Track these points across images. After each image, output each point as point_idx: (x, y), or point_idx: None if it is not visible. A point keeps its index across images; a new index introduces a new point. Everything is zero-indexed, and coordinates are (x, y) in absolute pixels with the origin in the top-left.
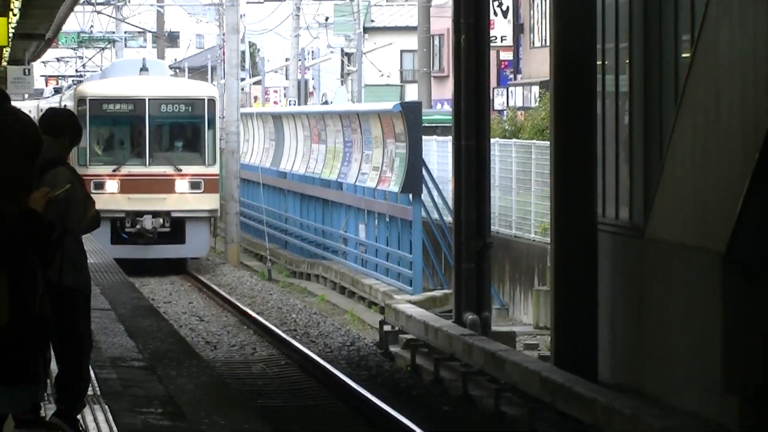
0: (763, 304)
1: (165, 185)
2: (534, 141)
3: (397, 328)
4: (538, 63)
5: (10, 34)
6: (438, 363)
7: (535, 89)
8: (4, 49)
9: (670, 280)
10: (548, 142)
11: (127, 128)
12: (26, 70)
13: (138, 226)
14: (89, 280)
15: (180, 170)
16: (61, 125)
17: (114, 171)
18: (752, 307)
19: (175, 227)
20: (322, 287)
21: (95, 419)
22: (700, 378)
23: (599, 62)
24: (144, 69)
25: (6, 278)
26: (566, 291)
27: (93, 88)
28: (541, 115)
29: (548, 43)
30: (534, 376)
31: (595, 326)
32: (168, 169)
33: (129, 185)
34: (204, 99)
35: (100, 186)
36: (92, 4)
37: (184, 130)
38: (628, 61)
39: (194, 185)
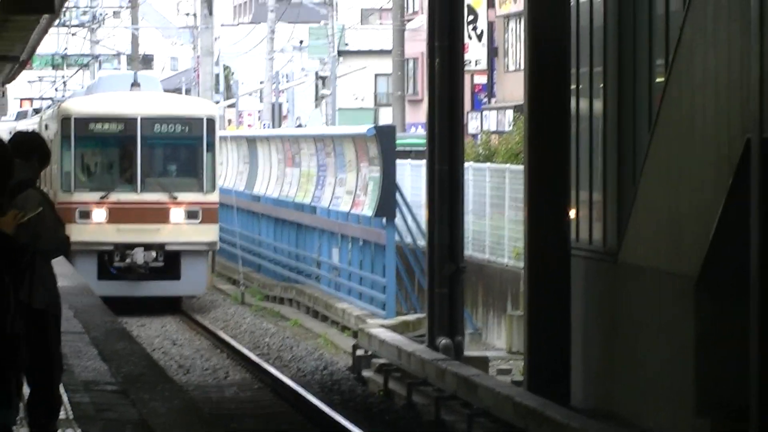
0: (735, 328)
1: (158, 215)
2: (508, 165)
3: (370, 353)
4: (513, 87)
5: None
6: (411, 387)
7: (510, 113)
8: None
9: (644, 305)
10: (522, 167)
11: (116, 150)
12: (1, 92)
13: (128, 260)
14: (59, 300)
15: (175, 198)
16: (30, 147)
17: (102, 198)
18: (725, 330)
19: (170, 261)
20: (296, 311)
21: None
22: (672, 401)
23: (573, 86)
24: (135, 84)
25: None
26: (539, 316)
27: (78, 106)
28: (516, 139)
29: (523, 67)
30: (507, 401)
31: (568, 351)
32: (162, 197)
33: (118, 214)
34: (202, 118)
35: (85, 215)
36: (67, 26)
37: (180, 153)
38: (602, 85)
39: (191, 215)
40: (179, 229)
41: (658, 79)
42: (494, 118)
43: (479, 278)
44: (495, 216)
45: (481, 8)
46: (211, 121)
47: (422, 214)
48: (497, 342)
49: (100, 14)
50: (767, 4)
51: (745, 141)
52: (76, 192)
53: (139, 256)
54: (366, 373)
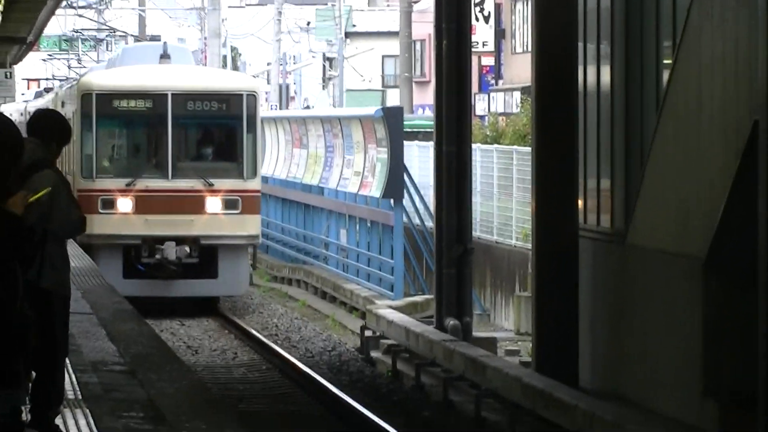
0: (743, 310)
1: (192, 204)
2: (515, 147)
3: (378, 334)
4: (520, 68)
5: None
6: (419, 368)
7: (517, 95)
8: None
9: (651, 286)
10: (530, 148)
11: (143, 131)
12: (8, 74)
13: (158, 256)
14: (68, 283)
15: (211, 185)
16: (49, 128)
17: (127, 186)
18: (732, 312)
19: (205, 257)
20: (304, 292)
21: (76, 423)
22: (680, 383)
23: (581, 68)
24: (165, 56)
25: None
26: (547, 297)
27: (100, 80)
28: (523, 121)
29: (530, 49)
30: (515, 382)
31: (576, 332)
32: (196, 184)
33: (146, 204)
34: (242, 94)
35: (109, 204)
36: (74, 8)
37: (216, 134)
38: (610, 67)
39: (229, 204)
40: (216, 220)
41: (666, 61)
42: (501, 100)
43: (487, 260)
44: (503, 198)
45: None
46: (252, 97)
47: (430, 196)
48: (505, 323)
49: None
50: None
51: (753, 123)
52: (99, 178)
53: (171, 252)
54: (374, 354)
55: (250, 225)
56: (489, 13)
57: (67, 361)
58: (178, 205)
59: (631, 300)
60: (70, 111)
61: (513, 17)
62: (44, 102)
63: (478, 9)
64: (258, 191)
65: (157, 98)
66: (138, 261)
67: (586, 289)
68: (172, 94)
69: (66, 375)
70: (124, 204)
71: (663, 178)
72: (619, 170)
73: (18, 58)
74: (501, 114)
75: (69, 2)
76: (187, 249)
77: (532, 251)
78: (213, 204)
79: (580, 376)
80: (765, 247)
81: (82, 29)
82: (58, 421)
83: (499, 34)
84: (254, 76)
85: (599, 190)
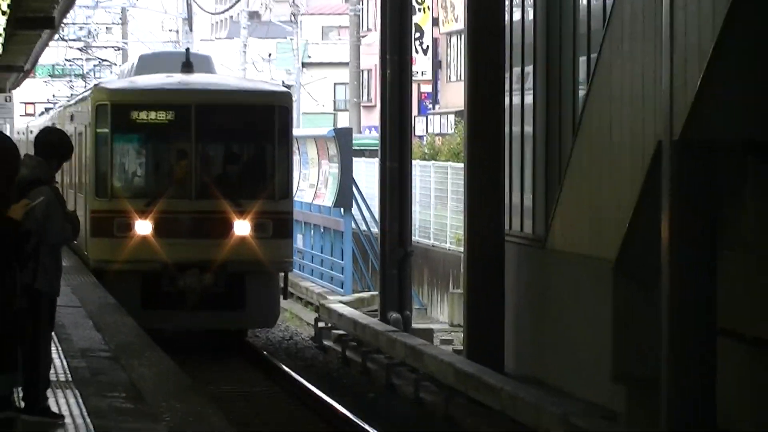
0: (647, 306)
1: (218, 227)
2: (450, 163)
3: (329, 325)
4: (454, 95)
5: None
6: (365, 355)
7: (451, 117)
8: None
9: (568, 285)
10: (462, 164)
11: (165, 146)
12: (7, 98)
13: (180, 284)
14: (58, 286)
15: (239, 207)
16: (50, 145)
17: (147, 207)
18: (638, 308)
19: (232, 286)
20: None
21: (67, 402)
22: (593, 369)
23: (507, 95)
24: (188, 65)
25: None
26: (477, 294)
27: (117, 90)
28: (456, 141)
29: (463, 78)
30: (449, 368)
31: (502, 324)
32: (222, 205)
33: (168, 227)
34: (273, 107)
35: (125, 227)
36: (65, 40)
37: (245, 150)
38: (533, 95)
39: (259, 227)
40: (244, 245)
41: (581, 90)
42: (438, 122)
43: (425, 261)
44: (438, 207)
45: (426, 26)
46: (284, 110)
47: (375, 205)
48: (440, 316)
49: (95, 30)
50: (676, 25)
51: (657, 144)
52: (114, 199)
53: (194, 280)
54: (326, 343)
55: (281, 250)
56: (427, 46)
57: (59, 347)
58: (202, 229)
59: (550, 297)
60: (81, 125)
61: (448, 50)
62: (47, 119)
63: (417, 42)
64: (290, 213)
65: (179, 110)
66: (158, 289)
67: (511, 287)
68: (196, 106)
69: (58, 360)
70: (143, 227)
71: (578, 191)
72: (539, 184)
73: (16, 84)
74: (437, 134)
75: (61, 36)
76: (213, 277)
77: (464, 254)
78: (241, 227)
79: (505, 363)
80: (667, 251)
81: (73, 59)
82: (51, 402)
83: (436, 65)
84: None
85: (522, 200)
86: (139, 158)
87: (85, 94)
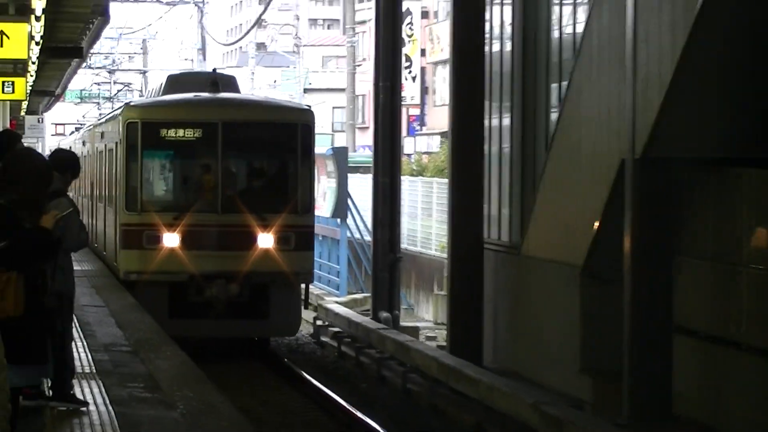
0: (611, 306)
1: (243, 240)
2: (435, 178)
3: (327, 323)
4: (439, 118)
5: (28, 91)
6: (358, 350)
7: (437, 138)
8: (23, 103)
9: (540, 287)
10: (447, 180)
11: (192, 162)
12: (40, 119)
13: (206, 294)
14: (74, 286)
15: (264, 220)
16: (64, 163)
17: (175, 220)
18: (603, 307)
19: (256, 296)
20: None
21: (91, 391)
22: (562, 363)
23: (487, 118)
24: (214, 84)
25: (23, 279)
26: (459, 295)
27: (146, 109)
28: (441, 158)
29: (447, 102)
30: (433, 361)
31: (481, 323)
32: (247, 219)
33: (195, 239)
34: (297, 124)
35: (154, 240)
36: (92, 68)
37: (269, 166)
38: (510, 118)
39: (282, 240)
40: (268, 257)
41: (553, 113)
42: (425, 142)
43: (412, 266)
44: (425, 218)
45: (415, 56)
46: (306, 128)
47: (368, 216)
48: (426, 315)
49: (118, 59)
50: (639, 56)
51: (620, 162)
52: (144, 212)
53: (220, 290)
54: (324, 339)
55: (303, 262)
56: (416, 74)
57: (84, 342)
58: (228, 241)
59: (524, 298)
60: (111, 142)
61: (434, 78)
62: (77, 137)
63: (407, 71)
64: (312, 226)
65: (207, 128)
66: (185, 299)
67: (490, 289)
68: (223, 124)
69: (83, 354)
70: (171, 239)
71: (550, 203)
72: (516, 197)
73: (47, 107)
74: (424, 153)
75: (88, 64)
76: (238, 287)
77: (447, 260)
78: (265, 240)
79: (483, 357)
80: (629, 257)
81: (100, 83)
82: (76, 390)
83: (423, 91)
84: (308, 106)
85: (500, 212)
86: (167, 173)
87: (116, 112)
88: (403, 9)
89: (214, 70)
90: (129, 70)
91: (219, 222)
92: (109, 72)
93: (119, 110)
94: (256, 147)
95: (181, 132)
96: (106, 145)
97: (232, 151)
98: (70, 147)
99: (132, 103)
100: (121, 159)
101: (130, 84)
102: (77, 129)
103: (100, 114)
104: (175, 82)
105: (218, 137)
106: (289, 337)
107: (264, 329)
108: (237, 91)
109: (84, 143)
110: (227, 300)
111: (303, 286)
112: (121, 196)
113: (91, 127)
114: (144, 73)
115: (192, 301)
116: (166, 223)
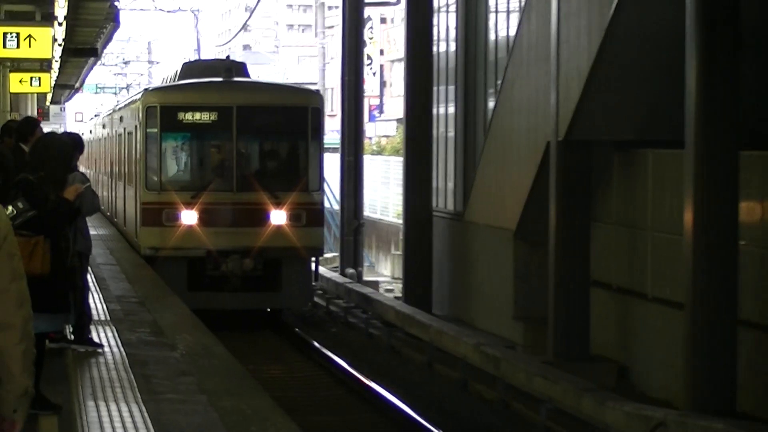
0: (538, 263)
1: (257, 217)
2: (392, 157)
3: None
4: (395, 106)
5: (52, 85)
6: (328, 301)
7: (394, 123)
8: (48, 95)
9: (480, 247)
10: (401, 158)
11: (208, 144)
12: (62, 108)
13: (223, 269)
14: (91, 246)
15: (276, 198)
16: (76, 143)
17: (192, 198)
18: (531, 265)
19: (270, 270)
20: None
21: (106, 335)
22: (498, 311)
23: (435, 106)
24: (228, 71)
25: (49, 243)
26: (412, 255)
27: (165, 94)
28: (397, 140)
29: (402, 94)
30: (390, 310)
31: (431, 277)
32: (261, 197)
33: (211, 217)
34: (306, 107)
35: (173, 218)
36: (105, 65)
37: (281, 147)
38: (454, 106)
39: (294, 217)
40: (280, 233)
41: (490, 102)
42: (383, 127)
43: (373, 230)
44: (382, 189)
45: (375, 55)
46: (315, 111)
47: (337, 189)
48: (384, 271)
49: (125, 59)
50: (561, 55)
51: (546, 144)
52: (163, 191)
53: (236, 264)
54: None
55: (314, 237)
56: (376, 71)
57: (100, 294)
58: (243, 218)
59: (466, 256)
60: (131, 125)
61: (391, 73)
62: (97, 122)
63: (368, 67)
64: (321, 204)
65: (222, 111)
66: (203, 273)
67: (438, 250)
68: (237, 108)
69: (99, 304)
70: (189, 217)
71: (488, 178)
72: (459, 172)
73: (69, 98)
74: (383, 136)
75: (102, 63)
76: (252, 262)
77: (402, 225)
78: (277, 217)
79: (432, 306)
80: (554, 222)
81: (117, 74)
82: (93, 334)
83: (382, 84)
84: (317, 90)
85: (446, 185)
86: (185, 155)
87: (135, 97)
88: (365, 16)
89: (228, 57)
90: (137, 61)
91: (234, 200)
92: (123, 65)
93: (139, 95)
94: (269, 129)
95: (197, 115)
96: (125, 129)
97: (246, 132)
98: (91, 130)
99: (151, 89)
100: (141, 141)
101: (141, 74)
102: (96, 116)
103: (117, 101)
104: (190, 70)
105: (233, 120)
106: (302, 308)
107: (277, 301)
108: (248, 77)
109: (104, 126)
110: (242, 274)
111: (313, 259)
112: (142, 176)
113: (110, 112)
114: (151, 63)
115: (209, 275)
116: (184, 202)
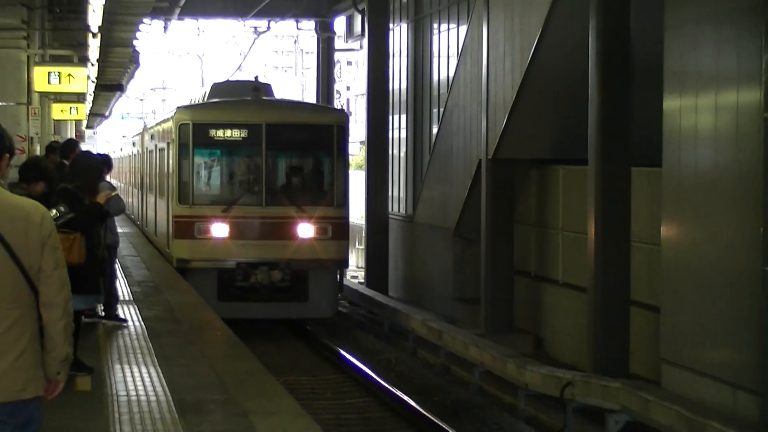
0: (473, 256)
1: (285, 230)
2: (357, 171)
3: None
4: (359, 131)
5: (87, 113)
6: None
7: (358, 144)
8: (83, 122)
9: (427, 243)
10: (364, 173)
11: (238, 160)
12: (94, 132)
13: (252, 280)
14: (118, 240)
15: (304, 212)
16: (104, 161)
17: (223, 212)
18: (467, 257)
19: (296, 281)
20: None
21: (129, 312)
22: (442, 293)
23: (390, 130)
24: (256, 90)
25: (84, 238)
26: (372, 249)
27: (197, 112)
28: (360, 158)
29: (365, 120)
30: (355, 292)
31: (387, 267)
32: (289, 211)
33: (241, 230)
34: (332, 125)
35: (204, 230)
36: (128, 97)
37: (307, 163)
38: (406, 130)
39: (320, 230)
40: (307, 245)
41: (434, 128)
42: (349, 147)
43: None
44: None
45: (343, 90)
46: (341, 129)
47: None
48: (351, 262)
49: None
50: (490, 89)
51: (478, 162)
52: (195, 205)
53: (264, 275)
54: None
55: (339, 250)
56: (343, 103)
57: (125, 279)
58: (271, 231)
59: (416, 251)
60: (163, 142)
61: (356, 105)
62: (128, 141)
63: (338, 100)
64: (346, 218)
65: (252, 129)
66: (233, 284)
67: (393, 245)
68: (266, 125)
69: (125, 287)
70: (220, 229)
71: (432, 188)
72: (410, 184)
73: (100, 123)
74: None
75: (126, 96)
76: (280, 273)
77: (365, 225)
78: (304, 230)
79: (389, 290)
80: (485, 224)
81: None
82: (119, 312)
83: (348, 113)
84: (342, 109)
85: (399, 194)
86: (216, 170)
87: (166, 116)
88: (335, 59)
89: (256, 77)
90: (153, 88)
91: (263, 214)
92: (140, 100)
93: (171, 113)
94: (296, 146)
95: (228, 132)
96: (156, 145)
97: (275, 149)
98: (122, 148)
99: (183, 107)
100: (174, 156)
101: (164, 100)
102: (123, 137)
103: (144, 123)
104: (218, 89)
105: (262, 137)
106: (326, 317)
107: (304, 311)
108: (273, 96)
109: (134, 144)
110: (271, 285)
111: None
112: (174, 190)
113: (140, 132)
114: (163, 100)
115: (239, 286)
116: (215, 215)
